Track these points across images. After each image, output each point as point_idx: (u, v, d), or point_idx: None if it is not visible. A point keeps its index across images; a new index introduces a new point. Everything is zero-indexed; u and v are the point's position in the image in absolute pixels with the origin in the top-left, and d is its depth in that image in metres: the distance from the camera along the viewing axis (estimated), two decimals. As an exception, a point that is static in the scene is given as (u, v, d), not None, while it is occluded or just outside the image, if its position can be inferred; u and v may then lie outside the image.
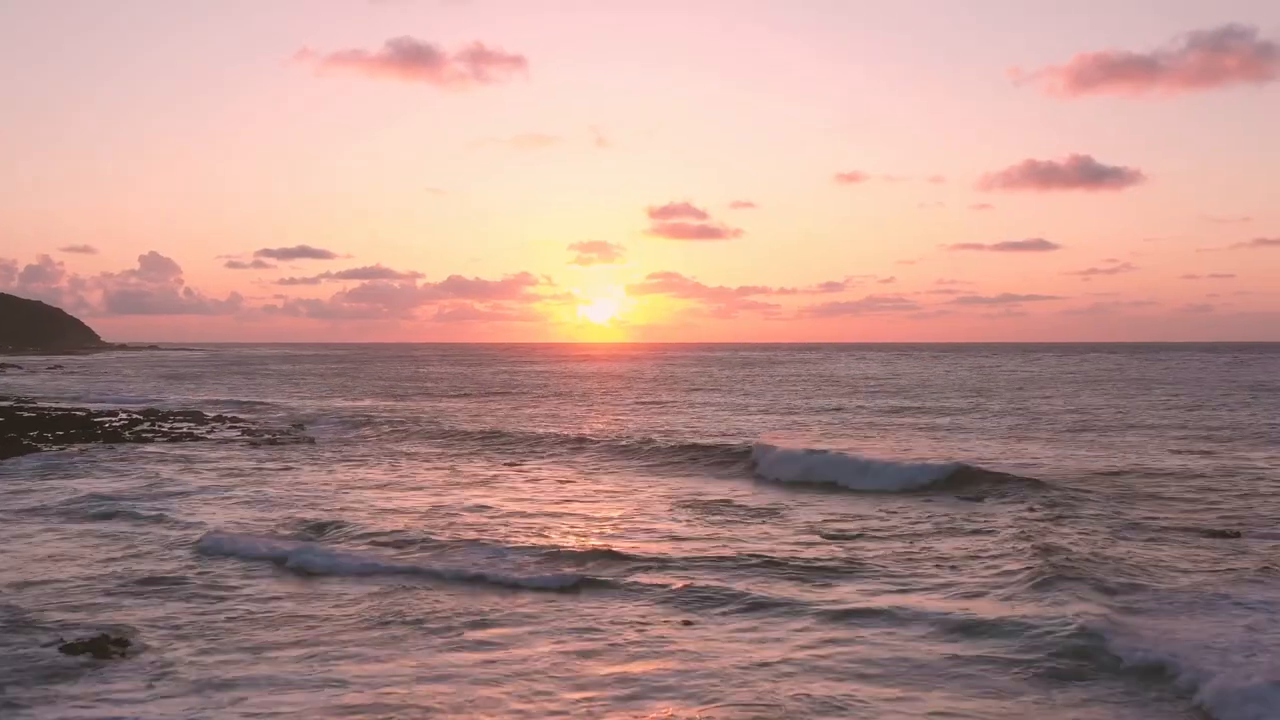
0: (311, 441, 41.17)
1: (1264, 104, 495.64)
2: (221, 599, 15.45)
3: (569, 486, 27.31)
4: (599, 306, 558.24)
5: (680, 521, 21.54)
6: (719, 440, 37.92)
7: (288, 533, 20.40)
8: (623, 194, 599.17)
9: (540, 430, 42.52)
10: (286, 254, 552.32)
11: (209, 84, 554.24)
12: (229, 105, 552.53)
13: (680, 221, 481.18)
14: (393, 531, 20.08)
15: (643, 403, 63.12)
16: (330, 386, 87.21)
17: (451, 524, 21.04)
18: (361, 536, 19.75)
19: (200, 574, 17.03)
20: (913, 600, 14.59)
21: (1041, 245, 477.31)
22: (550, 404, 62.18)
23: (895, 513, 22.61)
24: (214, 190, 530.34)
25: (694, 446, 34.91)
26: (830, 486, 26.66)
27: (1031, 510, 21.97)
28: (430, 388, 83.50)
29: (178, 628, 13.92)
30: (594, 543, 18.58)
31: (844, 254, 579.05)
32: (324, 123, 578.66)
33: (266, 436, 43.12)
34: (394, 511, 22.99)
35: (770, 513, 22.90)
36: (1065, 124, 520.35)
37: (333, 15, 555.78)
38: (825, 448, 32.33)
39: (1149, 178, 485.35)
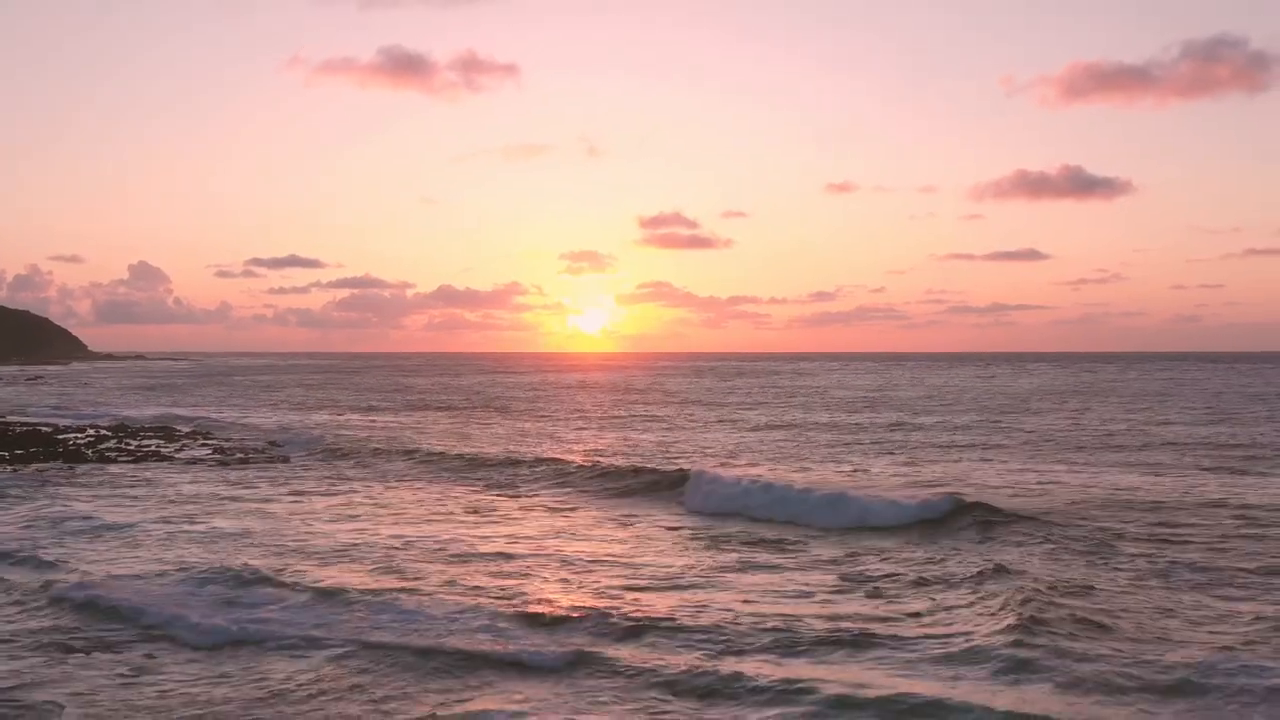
0: (286, 460, 38.85)
1: (1256, 114, 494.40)
2: (130, 681, 12.61)
3: (561, 519, 24.68)
4: (589, 316, 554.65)
5: (691, 566, 18.73)
6: (720, 465, 35.55)
7: (238, 567, 17.78)
8: (614, 204, 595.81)
9: (530, 451, 40.11)
10: (276, 263, 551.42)
11: (199, 92, 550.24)
12: (219, 113, 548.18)
13: (671, 231, 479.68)
14: (348, 582, 17.23)
15: (637, 417, 60.82)
16: (314, 399, 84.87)
17: (423, 569, 18.39)
18: (304, 589, 16.61)
19: (86, 640, 14.18)
20: (931, 688, 11.95)
21: (1032, 255, 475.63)
22: (542, 421, 59.83)
23: (895, 557, 19.55)
24: (204, 199, 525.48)
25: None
26: (816, 524, 23.30)
27: (1064, 551, 19.14)
28: (416, 400, 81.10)
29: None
30: (591, 598, 15.89)
31: (834, 264, 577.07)
32: (314, 131, 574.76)
33: (238, 455, 40.77)
34: (361, 546, 20.54)
35: (785, 553, 20.32)
36: (1057, 134, 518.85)
37: (323, 23, 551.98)
38: (806, 480, 29.21)
39: (1140, 188, 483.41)
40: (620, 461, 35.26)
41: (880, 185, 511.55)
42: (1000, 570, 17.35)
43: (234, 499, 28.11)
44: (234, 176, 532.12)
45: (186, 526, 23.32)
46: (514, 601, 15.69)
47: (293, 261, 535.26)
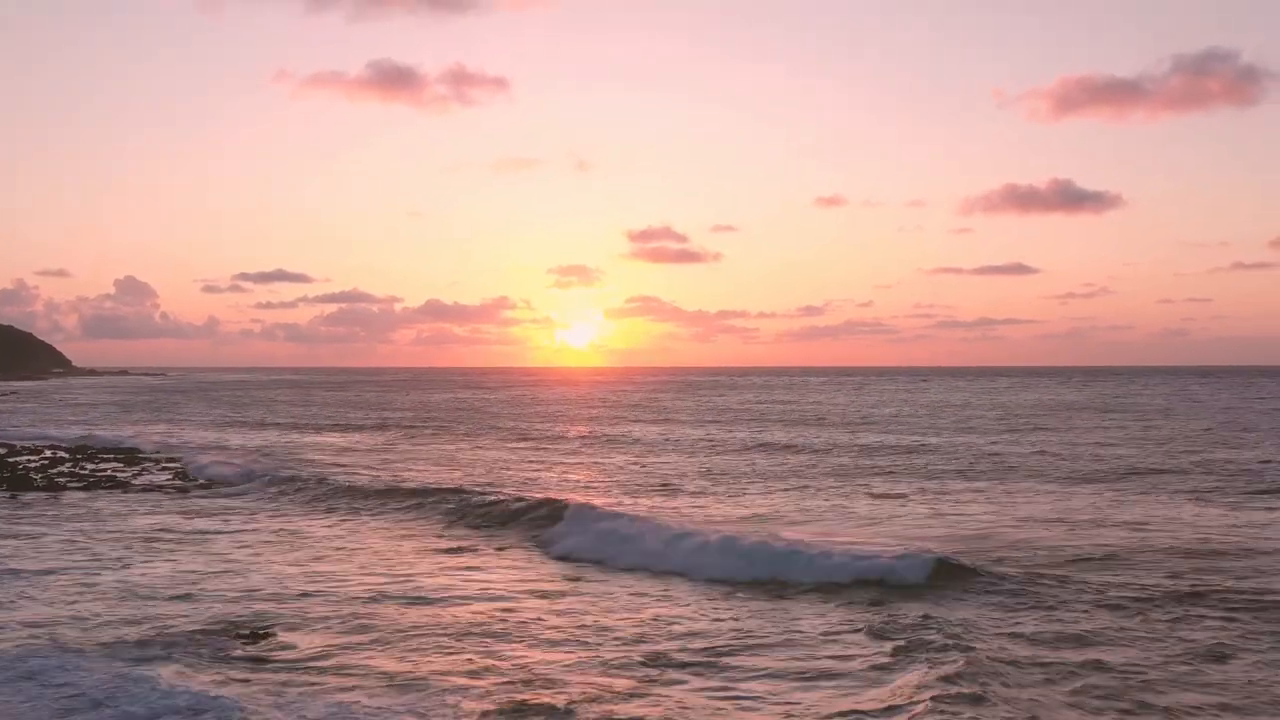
0: (252, 486, 35.87)
1: (1245, 128, 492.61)
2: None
3: (521, 583, 20.04)
4: (577, 330, 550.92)
5: (687, 652, 14.85)
6: (717, 493, 32.58)
7: (132, 644, 14.67)
8: (603, 217, 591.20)
9: (506, 476, 37.25)
10: (264, 278, 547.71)
11: (185, 106, 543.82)
12: (206, 128, 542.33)
13: (660, 245, 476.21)
14: (275, 655, 14.09)
15: (636, 440, 57.83)
16: (294, 416, 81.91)
17: (368, 649, 15.27)
18: (202, 679, 13.11)
19: None
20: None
21: (1020, 269, 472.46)
22: (525, 445, 56.95)
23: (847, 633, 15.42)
24: (191, 214, 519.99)
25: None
26: (731, 580, 19.26)
27: (1107, 635, 15.23)
28: (397, 418, 77.94)
29: None
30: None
31: (823, 278, 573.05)
32: (302, 145, 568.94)
33: (200, 481, 37.75)
34: (313, 599, 17.48)
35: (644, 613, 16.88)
36: (1047, 147, 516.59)
37: (311, 36, 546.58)
38: (740, 515, 25.41)
39: (1129, 202, 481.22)
40: (615, 495, 32.26)
41: (870, 199, 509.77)
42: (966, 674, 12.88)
43: (182, 536, 25.01)
44: (221, 191, 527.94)
45: (112, 574, 20.07)
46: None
47: (280, 276, 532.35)
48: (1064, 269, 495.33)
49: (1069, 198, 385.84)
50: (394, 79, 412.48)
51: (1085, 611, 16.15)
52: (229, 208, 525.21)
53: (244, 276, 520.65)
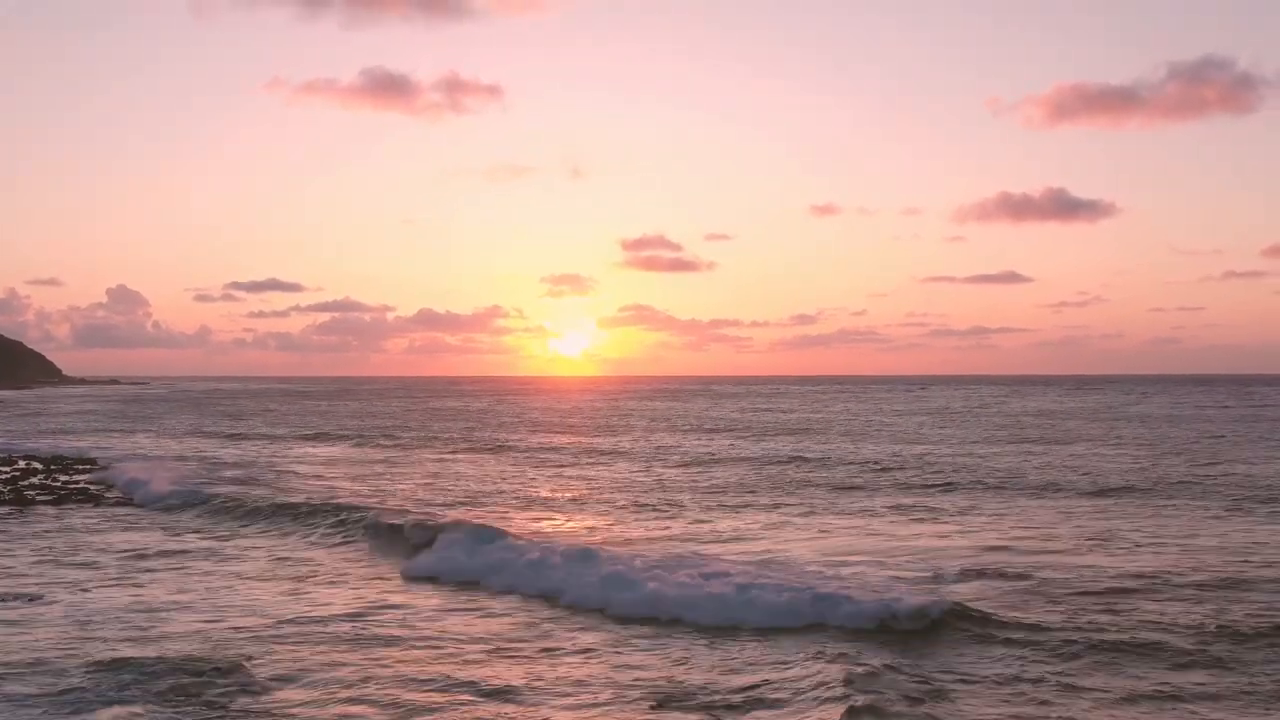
0: (233, 499, 33.79)
1: (1241, 135, 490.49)
2: None
3: (495, 622, 17.88)
4: (570, 339, 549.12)
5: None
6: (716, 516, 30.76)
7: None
8: (596, 226, 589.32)
9: (488, 491, 35.54)
10: (256, 287, 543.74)
11: (178, 114, 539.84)
12: (198, 135, 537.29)
13: (654, 254, 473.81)
14: None
15: (628, 452, 56.01)
16: (287, 426, 79.92)
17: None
18: None
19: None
20: None
21: (1013, 278, 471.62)
22: (508, 457, 55.24)
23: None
24: (182, 222, 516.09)
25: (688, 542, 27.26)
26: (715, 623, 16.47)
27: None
28: (385, 427, 75.88)
29: None
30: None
31: (817, 287, 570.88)
32: (295, 153, 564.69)
33: (162, 493, 35.81)
34: (269, 630, 15.61)
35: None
36: (1042, 155, 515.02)
37: (304, 43, 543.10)
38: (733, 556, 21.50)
39: (1124, 210, 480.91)
40: (604, 525, 30.37)
41: (864, 207, 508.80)
42: None
43: (151, 558, 23.21)
44: (213, 199, 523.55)
45: (64, 601, 18.18)
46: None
47: (272, 285, 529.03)
48: (1058, 277, 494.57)
49: (1063, 206, 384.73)
50: (387, 86, 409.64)
51: (1148, 657, 13.98)
52: (221, 216, 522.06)
53: (236, 285, 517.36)
